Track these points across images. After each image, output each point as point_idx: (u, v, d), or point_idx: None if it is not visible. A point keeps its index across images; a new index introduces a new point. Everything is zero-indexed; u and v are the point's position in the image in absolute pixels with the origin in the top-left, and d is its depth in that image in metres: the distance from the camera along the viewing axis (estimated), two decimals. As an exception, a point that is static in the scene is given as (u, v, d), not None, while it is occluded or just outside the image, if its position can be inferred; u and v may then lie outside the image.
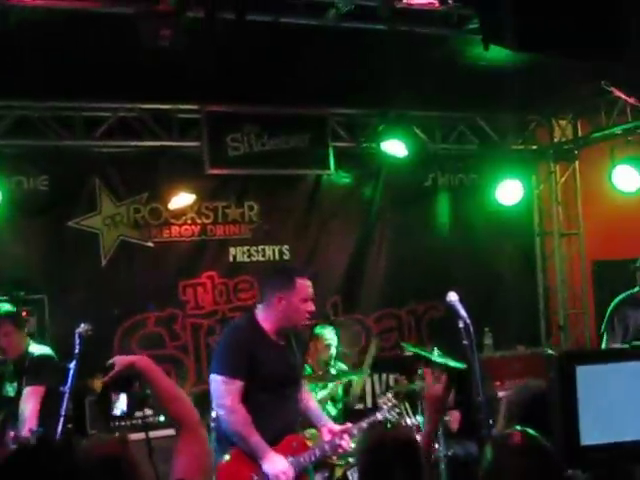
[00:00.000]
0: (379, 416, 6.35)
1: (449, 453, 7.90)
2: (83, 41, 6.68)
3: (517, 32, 6.16)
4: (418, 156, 9.23)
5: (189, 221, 8.98)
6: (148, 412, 7.86)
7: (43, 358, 6.35)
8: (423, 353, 7.75)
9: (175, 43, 6.11)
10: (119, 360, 3.34)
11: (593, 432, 4.39)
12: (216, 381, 5.54)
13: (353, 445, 5.80)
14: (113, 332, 8.49)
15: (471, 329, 5.61)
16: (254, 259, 9.22)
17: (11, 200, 8.08)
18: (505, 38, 6.36)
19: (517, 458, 3.22)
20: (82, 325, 5.62)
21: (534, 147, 10.39)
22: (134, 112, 8.47)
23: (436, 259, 9.79)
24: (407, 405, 7.87)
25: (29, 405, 6.02)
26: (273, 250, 9.28)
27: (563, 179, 10.57)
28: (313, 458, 5.71)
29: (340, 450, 5.82)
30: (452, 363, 6.84)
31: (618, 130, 9.32)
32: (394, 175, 9.56)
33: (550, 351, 7.16)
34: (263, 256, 9.24)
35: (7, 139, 8.08)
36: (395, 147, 8.93)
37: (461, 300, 5.85)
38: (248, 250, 9.19)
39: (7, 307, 6.52)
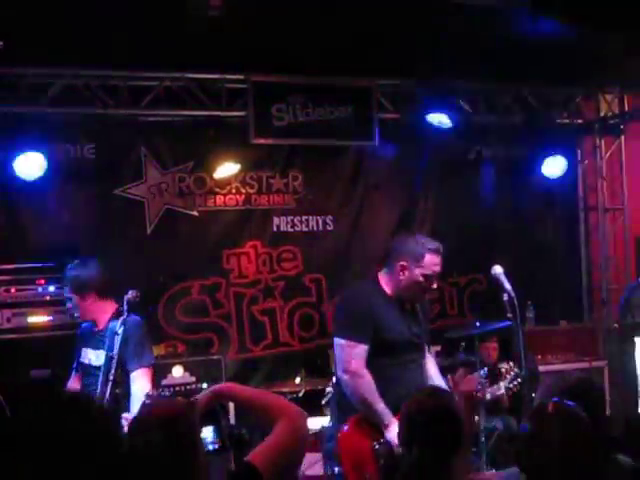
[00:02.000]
0: (502, 385, 6.29)
1: (490, 426, 7.96)
2: (131, 9, 6.70)
3: (566, 5, 6.12)
4: (463, 128, 9.20)
5: (233, 190, 9.02)
6: (191, 379, 7.97)
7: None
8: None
9: (224, 12, 6.15)
10: (200, 397, 3.25)
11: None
12: (340, 345, 5.45)
13: None
14: (158, 300, 8.58)
15: (515, 302, 5.61)
16: (297, 229, 9.26)
17: (58, 168, 8.15)
18: (554, 10, 6.33)
19: (553, 426, 3.27)
20: (130, 292, 5.63)
21: (580, 121, 10.28)
22: (180, 81, 8.48)
23: (479, 232, 9.77)
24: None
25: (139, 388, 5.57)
26: (317, 220, 9.32)
27: (608, 154, 10.48)
28: None
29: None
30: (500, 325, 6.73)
31: (666, 105, 9.22)
32: (438, 147, 9.51)
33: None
34: (307, 226, 9.29)
35: (54, 107, 8.09)
36: (440, 119, 8.90)
37: (505, 273, 5.86)
38: (292, 220, 9.23)
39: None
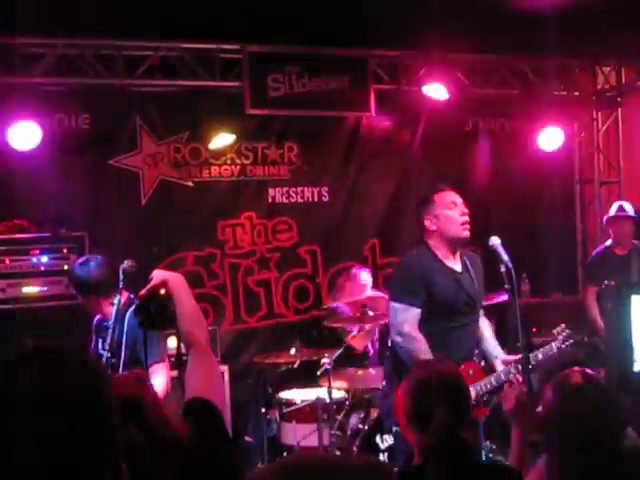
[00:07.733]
0: (554, 346, 6.19)
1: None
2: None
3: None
4: (459, 100, 9.16)
5: (229, 161, 8.99)
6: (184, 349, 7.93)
7: None
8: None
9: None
10: (157, 274, 3.41)
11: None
12: (394, 308, 5.58)
13: None
14: (152, 270, 8.51)
15: (513, 273, 5.59)
16: (293, 200, 9.23)
17: (52, 138, 8.10)
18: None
19: (578, 396, 3.29)
20: (126, 261, 5.59)
21: (576, 93, 10.25)
22: (175, 51, 8.43)
23: (475, 204, 9.63)
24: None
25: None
26: (312, 192, 9.30)
27: (605, 127, 10.46)
28: (489, 387, 5.61)
29: (514, 378, 5.44)
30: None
31: (663, 78, 9.17)
32: (435, 118, 9.48)
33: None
34: (302, 197, 9.26)
35: (49, 77, 8.06)
36: (436, 90, 8.86)
37: (502, 244, 5.84)
38: (287, 191, 9.21)
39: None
